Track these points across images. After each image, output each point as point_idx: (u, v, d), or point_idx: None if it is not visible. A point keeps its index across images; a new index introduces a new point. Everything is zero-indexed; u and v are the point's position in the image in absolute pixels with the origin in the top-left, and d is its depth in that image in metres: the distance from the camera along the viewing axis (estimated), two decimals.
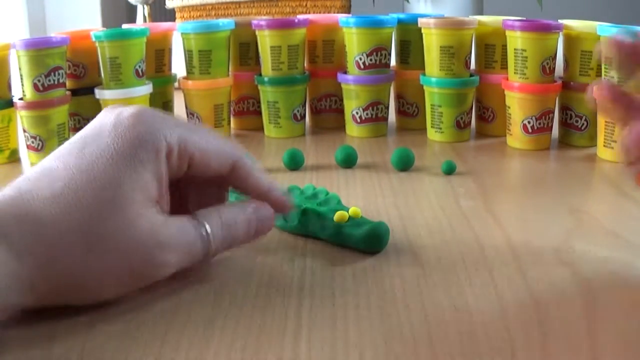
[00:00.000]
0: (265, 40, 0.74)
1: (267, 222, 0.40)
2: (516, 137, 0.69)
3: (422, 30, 0.72)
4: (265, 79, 0.75)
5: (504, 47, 0.71)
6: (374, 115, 0.74)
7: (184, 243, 0.36)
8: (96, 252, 0.33)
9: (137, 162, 0.35)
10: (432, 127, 0.73)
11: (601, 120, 0.64)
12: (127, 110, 0.37)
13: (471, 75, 0.72)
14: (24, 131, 0.67)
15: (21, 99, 0.66)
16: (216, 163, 0.38)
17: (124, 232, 0.34)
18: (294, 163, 0.62)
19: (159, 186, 0.36)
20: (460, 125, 0.72)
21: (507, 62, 0.70)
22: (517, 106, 0.68)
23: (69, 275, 0.33)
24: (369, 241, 0.42)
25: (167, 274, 0.36)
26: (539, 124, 0.68)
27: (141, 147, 0.35)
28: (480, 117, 0.76)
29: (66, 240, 0.33)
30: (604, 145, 0.64)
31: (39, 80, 0.65)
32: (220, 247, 0.38)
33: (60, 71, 0.67)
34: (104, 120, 0.36)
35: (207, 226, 0.37)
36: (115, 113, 0.37)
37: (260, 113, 0.78)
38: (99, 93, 0.70)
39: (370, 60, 0.73)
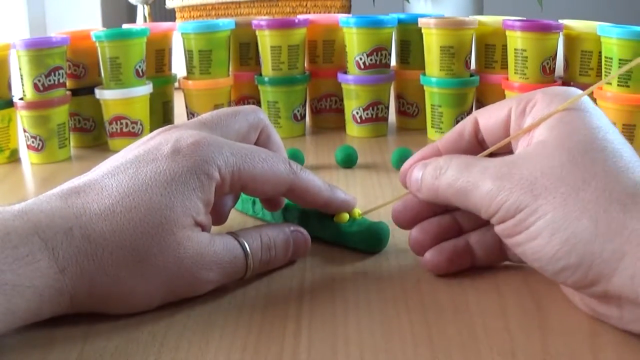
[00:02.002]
0: (266, 40, 0.74)
1: (303, 246, 0.41)
2: None
3: (422, 30, 0.72)
4: (266, 79, 0.75)
5: (504, 47, 0.71)
6: (374, 115, 0.74)
7: (226, 263, 0.37)
8: (143, 271, 0.34)
9: (190, 190, 0.35)
10: (432, 127, 0.73)
11: None
12: (186, 139, 0.37)
13: (471, 75, 0.72)
14: (24, 131, 0.67)
15: (21, 99, 0.66)
16: (271, 188, 0.39)
17: (172, 255, 0.34)
18: None
19: (206, 210, 0.37)
20: None
21: (507, 62, 0.70)
22: None
23: (111, 290, 0.34)
24: (369, 241, 0.42)
25: (207, 290, 0.37)
26: None
27: (195, 176, 0.36)
28: None
29: (112, 257, 0.33)
30: None
31: (39, 80, 0.65)
32: (257, 267, 0.39)
33: (61, 71, 0.67)
34: (162, 145, 0.37)
35: (248, 247, 0.38)
36: (174, 138, 0.37)
37: None
38: (99, 93, 0.70)
39: (371, 60, 0.73)
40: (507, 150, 0.37)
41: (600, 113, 0.35)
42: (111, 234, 0.33)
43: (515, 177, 0.33)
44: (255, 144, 0.42)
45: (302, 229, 0.41)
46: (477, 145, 0.39)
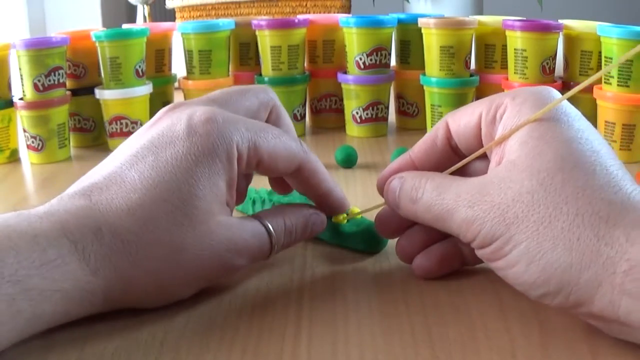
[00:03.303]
0: (266, 40, 0.74)
1: (319, 226, 0.41)
2: None
3: (422, 30, 0.72)
4: (266, 79, 0.75)
5: (504, 47, 0.71)
6: (374, 115, 0.74)
7: (254, 247, 0.37)
8: (178, 262, 0.34)
9: (213, 173, 0.35)
10: (432, 127, 0.73)
11: (601, 120, 0.64)
12: (199, 116, 0.36)
13: (471, 75, 0.72)
14: (24, 131, 0.67)
15: (21, 99, 0.66)
16: (283, 165, 0.38)
17: (206, 242, 0.34)
18: None
19: (231, 191, 0.36)
20: None
21: (507, 62, 0.70)
22: None
23: (145, 284, 0.34)
24: (368, 241, 0.42)
25: (235, 275, 0.38)
26: None
27: (216, 157, 0.35)
28: None
29: (146, 253, 0.33)
30: None
31: (39, 80, 0.65)
32: (279, 250, 0.39)
33: (60, 71, 0.67)
34: (175, 126, 0.36)
35: (273, 232, 0.38)
36: (186, 116, 0.36)
37: None
38: (99, 93, 0.70)
39: (371, 60, 0.73)
40: (483, 157, 0.37)
41: (575, 117, 0.34)
42: (142, 230, 0.33)
43: (487, 204, 0.32)
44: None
45: (319, 212, 0.41)
46: (450, 152, 0.38)
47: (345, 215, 0.43)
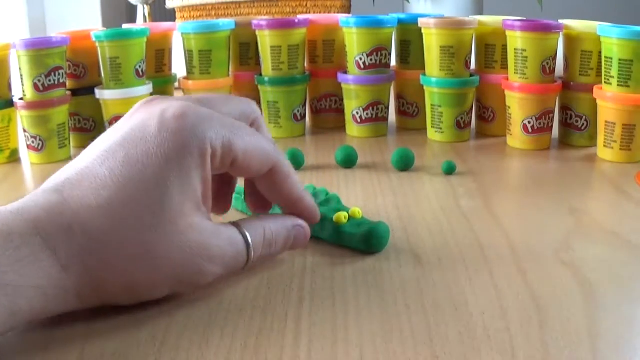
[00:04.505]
0: (266, 40, 0.74)
1: (302, 240, 0.40)
2: (516, 137, 0.69)
3: (422, 30, 0.72)
4: (266, 79, 0.75)
5: (504, 47, 0.71)
6: (374, 115, 0.74)
7: (229, 255, 0.36)
8: (147, 264, 0.34)
9: (185, 170, 0.34)
10: (432, 127, 0.73)
11: (601, 120, 0.64)
12: (171, 111, 0.35)
13: (471, 75, 0.72)
14: (24, 131, 0.67)
15: (21, 99, 0.66)
16: (257, 165, 0.38)
17: (176, 244, 0.34)
18: (294, 163, 0.62)
19: (205, 190, 0.36)
20: (461, 125, 0.72)
21: (507, 62, 0.70)
22: (517, 106, 0.68)
23: (117, 284, 0.34)
24: (369, 241, 0.42)
25: (208, 282, 0.36)
26: (539, 124, 0.68)
27: (188, 154, 0.34)
28: (480, 117, 0.76)
29: (116, 253, 0.33)
30: (604, 145, 0.64)
31: (39, 80, 0.65)
32: (258, 258, 0.38)
33: (61, 71, 0.67)
34: (147, 121, 0.35)
35: (251, 242, 0.37)
36: (158, 112, 0.35)
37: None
38: (99, 93, 0.70)
39: (371, 60, 0.73)
40: None
41: None
42: (112, 230, 0.33)
43: None
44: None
45: (303, 223, 0.40)
46: None
47: (346, 214, 0.43)
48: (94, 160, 0.35)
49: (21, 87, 0.66)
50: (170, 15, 1.50)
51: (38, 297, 0.31)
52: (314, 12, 1.34)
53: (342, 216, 0.43)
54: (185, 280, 0.35)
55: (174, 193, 0.34)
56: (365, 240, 0.42)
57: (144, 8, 1.41)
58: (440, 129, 0.72)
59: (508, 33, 0.68)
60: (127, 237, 0.33)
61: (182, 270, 0.34)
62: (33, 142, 0.67)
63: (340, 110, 0.78)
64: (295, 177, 0.40)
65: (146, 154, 0.34)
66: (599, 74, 0.66)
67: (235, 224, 0.38)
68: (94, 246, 0.33)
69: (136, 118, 0.36)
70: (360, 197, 0.54)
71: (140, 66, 0.70)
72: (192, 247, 0.34)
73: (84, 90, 0.72)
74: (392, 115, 0.79)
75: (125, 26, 0.76)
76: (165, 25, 0.78)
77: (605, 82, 0.63)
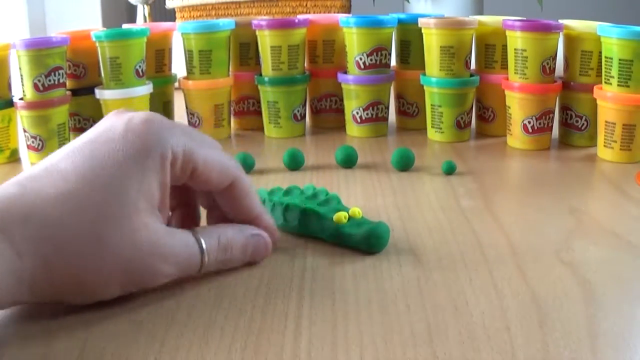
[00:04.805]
0: (266, 40, 0.74)
1: (262, 250, 0.41)
2: (516, 137, 0.69)
3: (422, 30, 0.72)
4: (266, 79, 0.75)
5: (504, 47, 0.71)
6: (374, 115, 0.74)
7: (182, 256, 0.37)
8: (98, 256, 0.34)
9: (145, 170, 0.35)
10: (432, 127, 0.73)
11: (601, 120, 0.64)
12: (138, 117, 0.37)
13: (471, 75, 0.72)
14: (24, 131, 0.67)
15: (21, 99, 0.66)
16: (217, 177, 0.39)
17: (128, 239, 0.34)
18: (294, 163, 0.62)
19: (162, 195, 0.37)
20: (461, 125, 0.72)
21: (507, 62, 0.70)
22: (517, 106, 0.68)
23: (69, 275, 0.34)
24: (369, 241, 0.42)
25: (161, 283, 0.37)
26: (539, 124, 0.68)
27: (149, 156, 0.36)
28: (480, 117, 0.76)
29: (70, 242, 0.33)
30: (604, 145, 0.64)
31: (39, 80, 0.65)
32: (213, 265, 0.39)
33: (61, 71, 0.67)
34: (115, 126, 0.37)
35: (204, 246, 0.38)
36: (125, 119, 0.37)
37: (260, 113, 0.78)
38: (99, 93, 0.70)
39: (371, 60, 0.73)
40: None
41: None
42: (68, 218, 0.33)
43: None
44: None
45: (263, 234, 0.41)
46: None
47: (346, 214, 0.43)
48: (59, 158, 0.36)
49: (21, 87, 0.66)
50: (170, 15, 1.50)
51: None
52: (314, 12, 1.34)
53: (342, 216, 0.43)
54: (137, 278, 0.36)
55: (131, 191, 0.35)
56: (365, 240, 0.42)
57: (144, 8, 1.41)
58: (440, 129, 0.72)
59: (508, 33, 0.68)
60: (82, 227, 0.34)
61: (132, 267, 0.35)
62: (33, 142, 0.67)
63: (340, 110, 0.78)
64: (255, 195, 0.41)
65: (110, 152, 0.35)
66: (599, 74, 0.66)
67: (190, 230, 0.38)
68: (49, 233, 0.33)
69: (105, 123, 0.38)
70: (360, 197, 0.54)
71: (140, 66, 0.70)
72: (144, 245, 0.35)
73: (84, 90, 0.72)
74: (392, 115, 0.79)
75: (125, 26, 0.76)
76: (165, 25, 0.78)
77: (605, 82, 0.63)
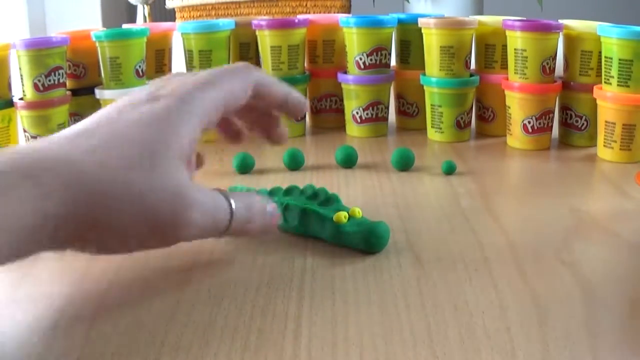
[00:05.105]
0: (266, 40, 0.74)
1: (274, 216, 0.41)
2: (516, 137, 0.69)
3: (422, 30, 0.72)
4: None
5: (504, 47, 0.71)
6: (374, 115, 0.74)
7: (211, 207, 0.37)
8: (126, 202, 0.34)
9: (177, 126, 0.37)
10: (432, 127, 0.73)
11: (601, 120, 0.64)
12: (171, 79, 0.40)
13: (471, 75, 0.72)
14: (24, 131, 0.67)
15: (21, 98, 0.66)
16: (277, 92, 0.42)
17: (157, 184, 0.35)
18: (294, 163, 0.62)
19: (191, 148, 0.38)
20: (460, 125, 0.72)
21: (507, 62, 0.70)
22: (517, 106, 0.68)
23: (95, 220, 0.34)
24: (369, 241, 0.42)
25: (189, 237, 0.37)
26: (539, 124, 0.68)
27: (187, 112, 0.37)
28: (480, 117, 0.76)
29: (98, 185, 0.33)
30: (604, 145, 0.64)
31: (39, 80, 0.65)
32: (239, 225, 0.39)
33: (61, 71, 0.67)
34: (149, 88, 0.39)
35: (233, 201, 0.38)
36: (160, 82, 0.40)
37: None
38: (99, 93, 0.70)
39: (371, 60, 0.73)
40: None
41: None
42: (99, 163, 0.34)
43: None
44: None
45: (275, 207, 0.42)
46: None
47: (346, 214, 0.43)
48: (92, 121, 0.37)
49: (21, 87, 0.66)
50: (170, 15, 1.50)
51: (17, 229, 0.31)
52: (314, 12, 1.34)
53: (342, 216, 0.43)
54: (160, 227, 0.35)
55: (162, 140, 0.36)
56: (365, 240, 0.42)
57: (144, 8, 1.41)
58: (440, 129, 0.72)
59: (508, 33, 0.68)
60: (111, 171, 0.34)
61: (157, 212, 0.35)
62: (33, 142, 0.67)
63: (340, 110, 0.78)
64: (277, 82, 0.43)
65: (142, 110, 0.37)
66: (599, 74, 0.66)
67: (217, 189, 0.39)
68: (78, 176, 0.33)
69: (140, 89, 0.40)
70: (360, 197, 0.54)
71: (140, 66, 0.70)
72: (171, 187, 0.35)
73: (84, 90, 0.72)
74: (392, 115, 0.79)
75: (125, 26, 0.76)
76: (165, 25, 0.78)
77: (605, 82, 0.63)
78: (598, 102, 0.64)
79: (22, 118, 0.67)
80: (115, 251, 0.36)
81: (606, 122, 0.64)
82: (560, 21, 0.68)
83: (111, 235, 0.35)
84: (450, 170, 0.60)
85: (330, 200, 0.46)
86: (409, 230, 0.47)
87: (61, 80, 0.67)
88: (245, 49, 0.79)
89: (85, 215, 0.33)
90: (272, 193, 0.48)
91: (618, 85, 0.62)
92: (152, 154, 0.35)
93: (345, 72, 0.75)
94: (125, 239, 0.35)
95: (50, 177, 0.32)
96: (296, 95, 0.44)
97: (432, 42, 0.71)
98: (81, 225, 0.33)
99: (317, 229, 0.44)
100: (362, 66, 0.73)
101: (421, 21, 0.72)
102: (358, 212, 0.44)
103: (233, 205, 0.38)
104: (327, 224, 0.43)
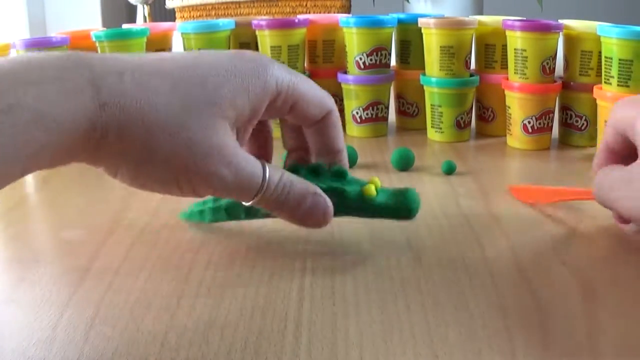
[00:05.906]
0: (266, 40, 0.74)
1: (319, 213, 0.39)
2: (516, 137, 0.69)
3: (422, 30, 0.72)
4: None
5: (504, 47, 0.71)
6: (374, 115, 0.74)
7: (244, 170, 0.37)
8: (171, 133, 0.34)
9: (244, 88, 0.37)
10: (432, 127, 0.73)
11: (601, 120, 0.64)
12: (250, 51, 0.40)
13: (471, 75, 0.72)
14: None
15: None
16: (314, 109, 0.41)
17: (203, 133, 0.35)
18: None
19: (251, 117, 0.38)
20: (460, 125, 0.72)
21: (507, 62, 0.70)
22: (517, 106, 0.68)
23: (140, 141, 0.34)
24: (401, 208, 0.42)
25: (217, 190, 0.37)
26: (539, 124, 0.68)
27: (254, 76, 0.37)
28: (480, 117, 0.76)
29: (152, 112, 0.34)
30: None
31: None
32: (268, 200, 0.38)
33: None
34: (228, 50, 0.41)
35: (268, 173, 0.38)
36: (238, 50, 0.40)
37: None
38: None
39: (371, 60, 0.73)
40: None
41: None
42: (160, 94, 0.34)
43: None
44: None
45: (327, 199, 0.40)
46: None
47: (375, 185, 0.42)
48: (166, 55, 0.38)
49: None
50: (170, 15, 1.50)
51: (72, 132, 0.32)
52: (314, 12, 1.34)
53: (372, 188, 0.42)
54: (192, 172, 0.35)
55: (225, 94, 0.36)
56: (398, 208, 0.42)
57: (144, 8, 1.41)
58: (440, 129, 0.72)
59: (508, 33, 0.68)
60: (169, 106, 0.34)
61: (195, 160, 0.35)
62: None
63: (340, 110, 0.78)
64: (341, 129, 0.43)
65: (218, 58, 0.37)
66: (599, 74, 0.66)
67: (259, 159, 0.39)
68: (139, 91, 0.34)
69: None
70: None
71: None
72: (214, 143, 0.35)
73: None
74: (392, 115, 0.79)
75: (125, 26, 0.76)
76: (165, 25, 0.78)
77: (605, 82, 0.63)
78: (598, 102, 0.64)
79: None
80: (142, 186, 0.36)
81: (606, 122, 0.63)
82: (560, 21, 0.68)
83: (145, 164, 0.35)
84: (450, 170, 0.60)
85: (340, 174, 0.44)
86: (409, 230, 0.47)
87: None
88: (245, 48, 0.78)
89: (131, 139, 0.34)
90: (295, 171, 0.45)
91: (618, 85, 0.62)
92: (213, 103, 0.35)
93: (345, 72, 0.75)
94: (156, 173, 0.36)
95: (111, 88, 0.33)
96: (346, 158, 0.44)
97: (432, 42, 0.71)
98: (124, 146, 0.34)
99: (343, 208, 0.42)
100: (362, 66, 0.73)
101: (421, 21, 0.72)
102: (378, 182, 0.43)
103: (267, 175, 0.38)
104: (355, 200, 0.42)
